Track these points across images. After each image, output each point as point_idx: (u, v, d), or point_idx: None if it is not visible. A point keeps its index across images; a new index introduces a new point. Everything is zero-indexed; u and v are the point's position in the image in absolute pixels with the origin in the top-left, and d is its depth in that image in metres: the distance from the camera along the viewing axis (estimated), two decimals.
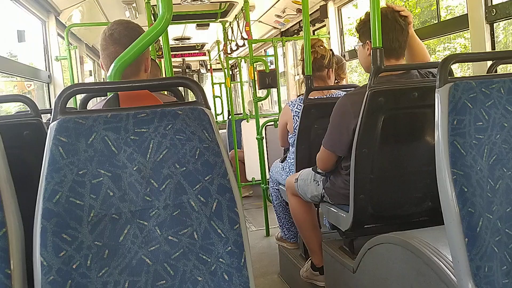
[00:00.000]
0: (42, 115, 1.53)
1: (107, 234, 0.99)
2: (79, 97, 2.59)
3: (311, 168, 2.19)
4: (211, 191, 1.05)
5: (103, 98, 1.42)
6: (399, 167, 1.76)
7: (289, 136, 2.72)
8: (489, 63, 1.72)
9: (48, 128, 1.03)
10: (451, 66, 1.30)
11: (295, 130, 2.54)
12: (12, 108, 3.13)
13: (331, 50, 2.66)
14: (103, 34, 1.55)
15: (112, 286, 0.98)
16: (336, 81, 2.77)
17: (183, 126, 1.07)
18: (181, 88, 1.66)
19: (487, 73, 1.60)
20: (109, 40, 1.53)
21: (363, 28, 1.82)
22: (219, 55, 6.46)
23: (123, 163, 1.02)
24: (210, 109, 1.13)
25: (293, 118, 2.60)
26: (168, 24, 1.20)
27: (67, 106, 1.06)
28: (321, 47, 2.59)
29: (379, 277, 1.61)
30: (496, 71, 1.60)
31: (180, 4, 4.32)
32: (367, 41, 1.79)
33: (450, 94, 1.15)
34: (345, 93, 2.12)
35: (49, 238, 0.95)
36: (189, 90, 1.15)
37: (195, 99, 1.13)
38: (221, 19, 5.05)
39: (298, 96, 2.73)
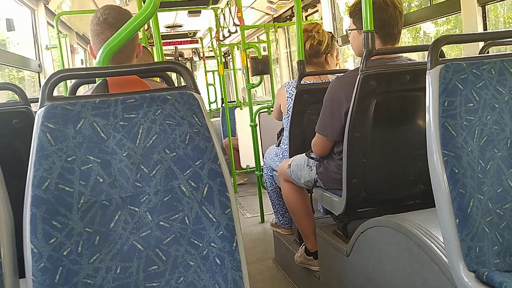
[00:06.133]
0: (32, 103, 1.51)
1: (97, 220, 0.99)
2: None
3: (304, 154, 2.19)
4: (202, 176, 1.05)
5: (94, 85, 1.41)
6: (392, 151, 1.76)
7: (283, 117, 2.70)
8: (481, 45, 1.72)
9: None
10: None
11: (288, 112, 2.52)
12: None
13: (330, 33, 2.58)
14: (95, 19, 1.52)
15: (104, 272, 0.98)
16: None
17: (173, 111, 1.05)
18: (174, 76, 1.65)
19: (479, 54, 1.59)
20: (104, 25, 1.50)
21: (359, 13, 1.78)
22: (212, 42, 6.41)
23: (112, 149, 1.01)
24: (200, 94, 1.11)
25: (287, 100, 2.58)
26: (156, 8, 1.18)
27: (59, 95, 1.05)
28: (319, 32, 2.50)
29: (372, 260, 1.62)
30: (488, 53, 1.60)
31: None
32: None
33: (441, 75, 1.15)
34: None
35: (39, 225, 0.94)
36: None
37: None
38: (213, 6, 4.99)
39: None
